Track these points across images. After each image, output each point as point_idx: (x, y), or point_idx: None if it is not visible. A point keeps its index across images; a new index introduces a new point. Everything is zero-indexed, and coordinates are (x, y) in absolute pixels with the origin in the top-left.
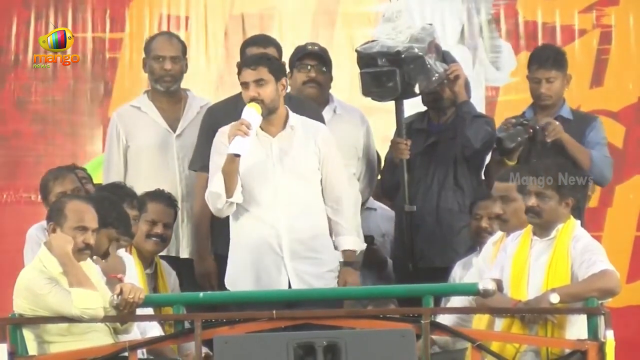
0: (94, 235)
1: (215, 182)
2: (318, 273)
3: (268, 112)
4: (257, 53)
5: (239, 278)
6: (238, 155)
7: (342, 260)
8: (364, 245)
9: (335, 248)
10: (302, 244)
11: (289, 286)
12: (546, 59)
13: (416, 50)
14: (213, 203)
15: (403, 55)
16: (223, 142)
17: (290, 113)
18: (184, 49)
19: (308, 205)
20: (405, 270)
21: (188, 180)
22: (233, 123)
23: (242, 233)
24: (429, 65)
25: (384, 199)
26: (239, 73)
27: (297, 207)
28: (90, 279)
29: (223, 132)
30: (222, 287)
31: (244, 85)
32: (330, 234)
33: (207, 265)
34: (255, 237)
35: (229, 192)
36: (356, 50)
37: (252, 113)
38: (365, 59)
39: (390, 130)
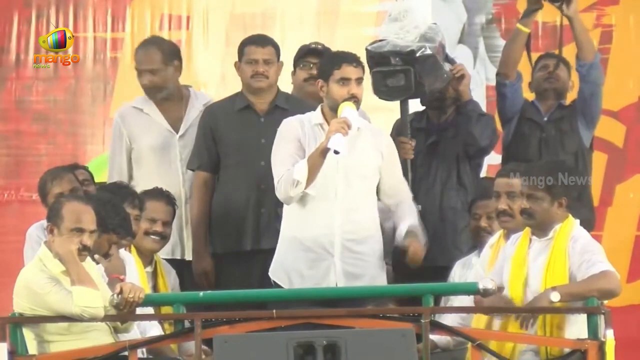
0: (92, 237)
1: (299, 170)
2: (366, 276)
3: None
4: (354, 53)
5: (284, 272)
6: (337, 152)
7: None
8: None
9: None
10: (355, 245)
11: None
12: (552, 54)
13: (428, 49)
14: (286, 189)
15: (417, 55)
16: (292, 133)
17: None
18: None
19: (365, 207)
20: (405, 270)
21: (192, 181)
22: (334, 120)
23: (295, 227)
24: (440, 65)
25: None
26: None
27: (354, 208)
28: (92, 278)
29: (289, 122)
30: (219, 286)
31: (345, 80)
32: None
33: (205, 265)
34: (308, 233)
35: (309, 183)
36: (366, 49)
37: (353, 113)
38: (376, 58)
39: (389, 129)
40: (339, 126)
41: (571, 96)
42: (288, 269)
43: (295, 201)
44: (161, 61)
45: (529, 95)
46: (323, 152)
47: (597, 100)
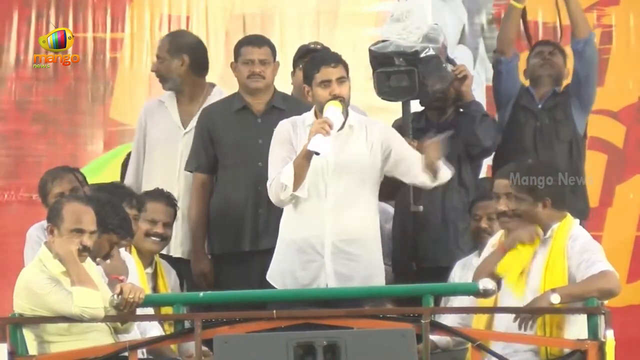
0: (92, 237)
1: (286, 174)
2: (358, 278)
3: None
4: (333, 52)
5: (279, 274)
6: (317, 154)
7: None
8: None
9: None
10: (346, 246)
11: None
12: (547, 41)
13: (432, 50)
14: (276, 193)
15: (421, 55)
16: (283, 135)
17: (351, 113)
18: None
19: (357, 207)
20: (406, 270)
21: (187, 179)
22: (315, 120)
23: (289, 228)
24: (443, 65)
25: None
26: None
27: (345, 208)
28: (92, 278)
29: (282, 124)
30: (218, 287)
31: (326, 83)
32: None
33: (203, 266)
34: (299, 234)
35: (297, 186)
36: (370, 50)
37: (336, 113)
38: (380, 59)
39: None
40: (319, 127)
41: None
42: (282, 270)
43: (288, 204)
44: (166, 51)
45: (525, 83)
46: (306, 155)
47: (592, 82)
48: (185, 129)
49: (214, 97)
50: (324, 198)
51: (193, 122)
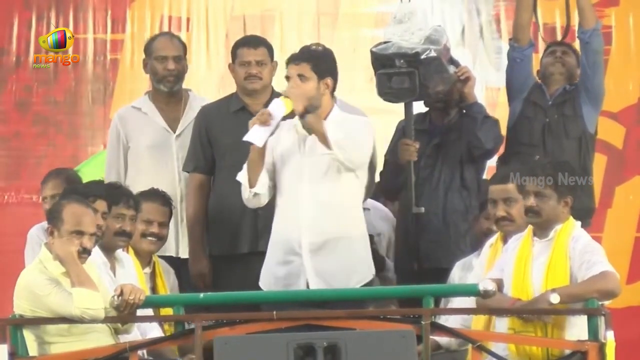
0: (91, 239)
1: (241, 172)
2: (341, 274)
3: (306, 110)
4: (306, 50)
5: (264, 275)
6: (251, 144)
7: None
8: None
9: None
10: (324, 245)
11: (307, 286)
12: (560, 42)
13: (433, 52)
14: (242, 193)
15: (422, 57)
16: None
17: (335, 110)
18: (184, 48)
19: (336, 205)
20: (408, 271)
21: (187, 180)
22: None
23: (273, 229)
24: (444, 67)
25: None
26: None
27: (323, 206)
28: (92, 279)
29: None
30: (216, 288)
31: (287, 79)
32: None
33: (201, 267)
34: (279, 233)
35: (251, 183)
36: (371, 51)
37: (278, 105)
38: (382, 60)
39: (390, 131)
40: (256, 118)
41: None
42: (267, 271)
43: (256, 204)
44: (183, 51)
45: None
46: (252, 148)
47: (599, 72)
48: (174, 133)
49: (192, 100)
50: (300, 198)
51: (182, 126)
